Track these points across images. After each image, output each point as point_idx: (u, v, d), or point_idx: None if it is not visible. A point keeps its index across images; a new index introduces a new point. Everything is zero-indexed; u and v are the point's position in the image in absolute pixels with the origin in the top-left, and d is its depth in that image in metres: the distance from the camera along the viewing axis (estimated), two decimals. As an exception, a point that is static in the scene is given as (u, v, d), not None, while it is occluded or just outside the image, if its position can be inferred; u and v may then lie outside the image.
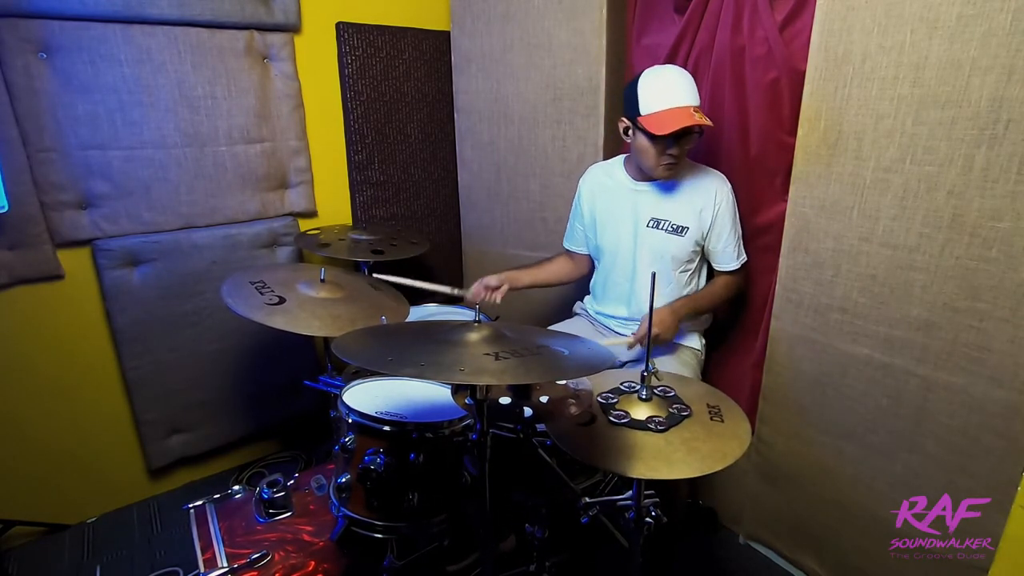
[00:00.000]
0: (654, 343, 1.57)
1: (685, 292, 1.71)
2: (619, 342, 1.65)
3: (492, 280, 1.77)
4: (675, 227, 1.64)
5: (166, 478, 2.10)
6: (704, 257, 1.72)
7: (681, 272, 1.68)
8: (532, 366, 0.95)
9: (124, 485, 2.01)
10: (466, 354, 0.97)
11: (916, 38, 1.22)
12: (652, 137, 1.51)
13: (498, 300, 1.78)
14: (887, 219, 1.33)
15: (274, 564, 1.31)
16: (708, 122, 1.46)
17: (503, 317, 1.83)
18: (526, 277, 1.86)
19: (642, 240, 1.68)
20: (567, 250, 1.93)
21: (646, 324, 1.49)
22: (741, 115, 1.73)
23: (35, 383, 1.79)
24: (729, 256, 1.67)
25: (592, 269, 1.90)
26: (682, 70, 1.56)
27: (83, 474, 1.92)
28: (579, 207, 1.85)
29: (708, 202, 1.62)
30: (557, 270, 1.92)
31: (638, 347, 1.60)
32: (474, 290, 1.77)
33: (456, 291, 1.78)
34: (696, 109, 1.48)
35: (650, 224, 1.66)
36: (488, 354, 0.95)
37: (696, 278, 1.73)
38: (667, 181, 1.64)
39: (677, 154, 1.54)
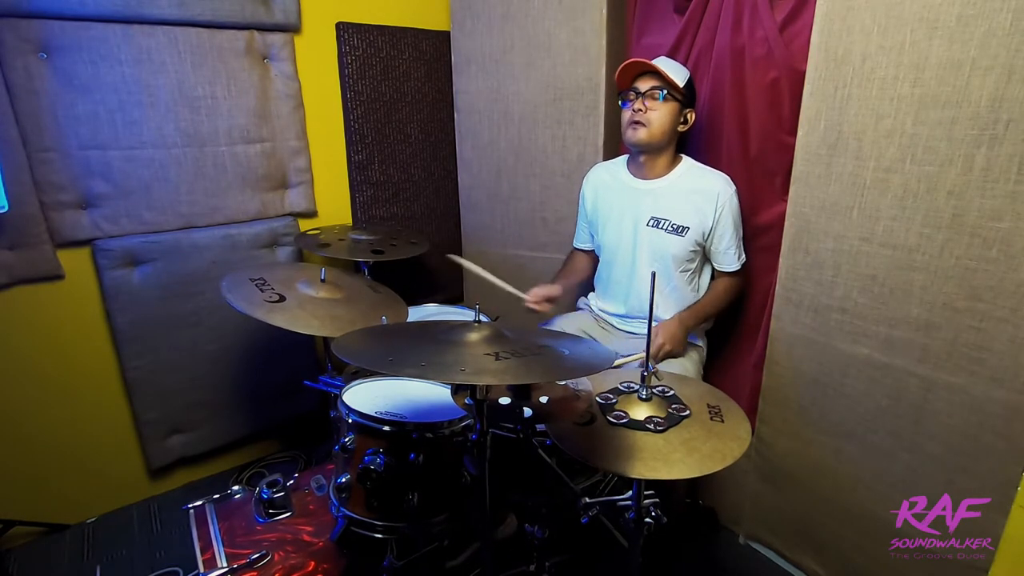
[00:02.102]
0: (666, 357, 1.59)
1: (687, 292, 1.71)
2: (633, 359, 1.63)
3: (555, 291, 1.75)
4: (675, 227, 1.64)
5: (166, 478, 2.10)
6: (706, 257, 1.72)
7: (682, 271, 1.69)
8: (532, 366, 0.95)
9: (124, 485, 2.01)
10: (467, 354, 0.97)
11: (916, 38, 1.22)
12: (620, 96, 1.64)
13: (553, 306, 1.78)
14: (887, 219, 1.33)
15: (274, 564, 1.31)
16: (654, 65, 1.57)
17: (504, 315, 1.83)
18: (571, 281, 1.91)
19: (641, 238, 1.69)
20: (577, 249, 1.96)
21: (656, 342, 1.54)
22: (741, 115, 1.73)
23: (35, 383, 1.79)
24: (731, 258, 1.68)
25: None
26: (668, 58, 1.66)
27: (83, 474, 1.92)
28: (583, 206, 1.87)
29: (710, 203, 1.62)
30: (580, 267, 1.95)
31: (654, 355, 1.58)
32: (534, 294, 1.74)
33: (519, 292, 1.75)
34: (651, 64, 1.57)
35: (650, 223, 1.67)
36: (488, 354, 0.95)
37: (697, 278, 1.73)
38: (661, 179, 1.67)
39: (639, 109, 1.59)
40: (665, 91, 1.58)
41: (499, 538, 1.50)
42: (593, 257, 1.94)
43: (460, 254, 2.48)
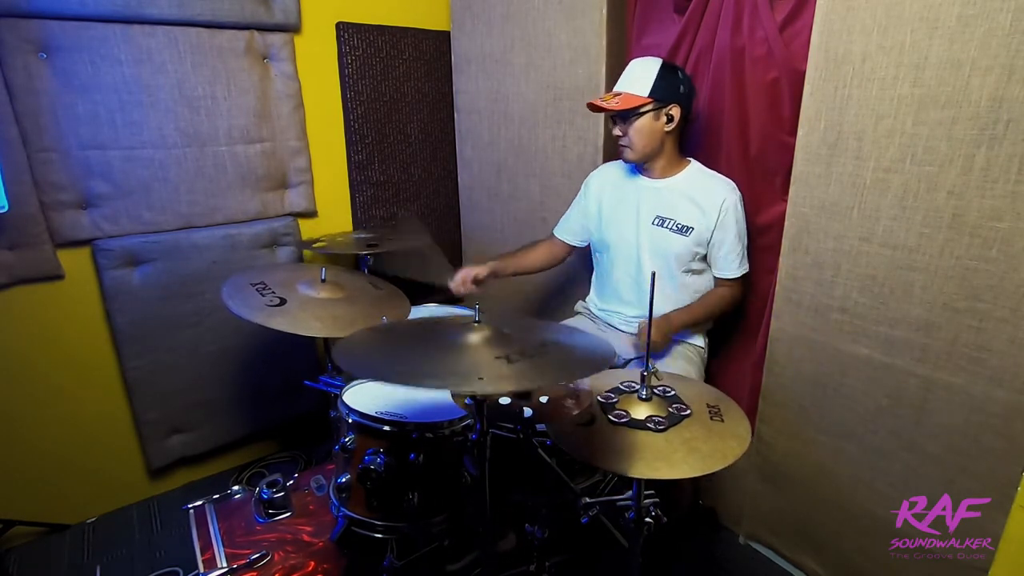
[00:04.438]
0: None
1: (691, 294, 1.70)
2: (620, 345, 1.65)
3: (481, 272, 1.77)
4: (680, 226, 1.64)
5: (166, 478, 2.10)
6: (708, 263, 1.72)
7: (685, 272, 1.68)
8: (545, 367, 0.95)
9: (124, 485, 2.01)
10: (480, 360, 0.96)
11: (916, 38, 1.22)
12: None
13: (481, 289, 1.78)
14: (887, 219, 1.33)
15: (274, 564, 1.31)
16: (603, 103, 1.58)
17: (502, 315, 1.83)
18: (511, 266, 1.88)
19: (644, 236, 1.69)
20: (554, 237, 1.94)
21: (639, 331, 1.51)
22: (741, 115, 1.73)
23: (35, 383, 1.79)
24: (730, 264, 1.67)
25: (566, 259, 1.95)
26: (645, 59, 1.61)
27: (83, 474, 1.92)
28: (584, 200, 1.86)
29: (713, 205, 1.61)
30: (539, 256, 1.93)
31: (640, 346, 1.60)
32: (459, 279, 1.76)
33: (438, 283, 1.77)
34: (614, 94, 1.59)
35: (655, 222, 1.67)
36: (500, 358, 0.95)
37: (702, 281, 1.72)
38: (666, 179, 1.68)
39: (617, 135, 1.64)
40: (625, 115, 1.59)
41: (499, 551, 1.51)
42: (556, 253, 1.92)
43: (460, 254, 2.48)
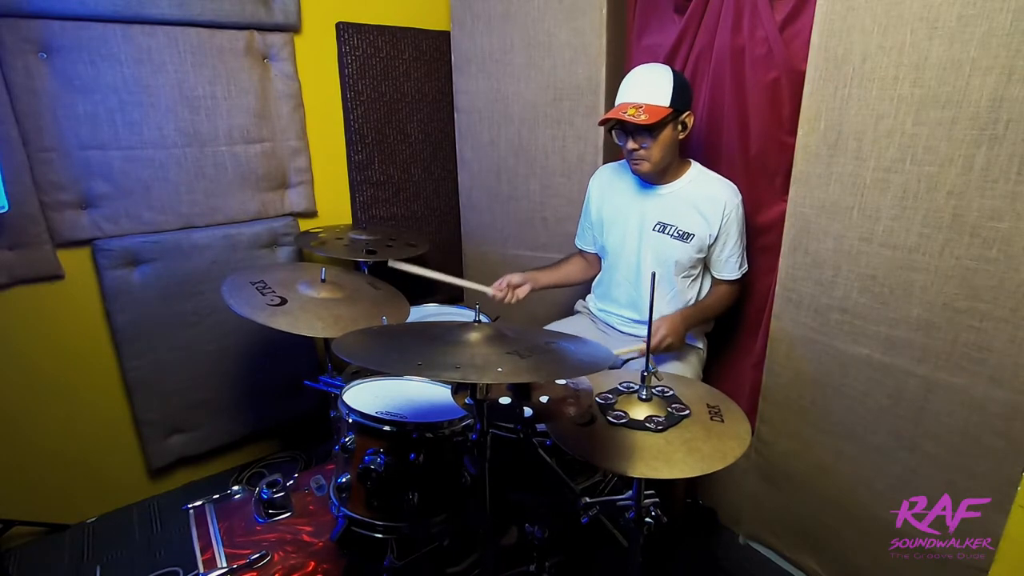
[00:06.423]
0: (666, 351, 1.58)
1: (687, 298, 1.71)
2: (630, 350, 1.64)
3: (516, 278, 1.77)
4: (681, 233, 1.64)
5: (166, 478, 2.10)
6: (707, 265, 1.72)
7: (683, 277, 1.68)
8: (560, 360, 0.97)
9: (124, 485, 2.01)
10: (491, 355, 0.97)
11: (916, 38, 1.22)
12: (607, 128, 1.61)
13: (516, 298, 1.78)
14: (887, 219, 1.33)
15: (274, 564, 1.31)
16: (632, 118, 1.47)
17: (504, 314, 1.83)
18: (546, 278, 1.86)
19: (647, 243, 1.68)
20: (580, 250, 1.94)
21: (659, 334, 1.52)
22: (741, 115, 1.73)
23: (35, 383, 1.79)
24: (732, 266, 1.67)
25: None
26: (653, 66, 1.57)
27: (83, 474, 1.92)
28: (588, 206, 1.85)
29: (716, 212, 1.61)
30: (573, 270, 1.93)
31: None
32: (496, 286, 1.76)
33: (477, 286, 1.77)
34: (635, 106, 1.49)
35: (656, 228, 1.66)
36: (511, 353, 0.96)
37: (698, 284, 1.73)
38: (669, 184, 1.66)
39: (634, 148, 1.55)
40: (651, 130, 1.51)
41: (500, 546, 1.51)
42: (591, 262, 1.92)
43: (460, 254, 2.47)
